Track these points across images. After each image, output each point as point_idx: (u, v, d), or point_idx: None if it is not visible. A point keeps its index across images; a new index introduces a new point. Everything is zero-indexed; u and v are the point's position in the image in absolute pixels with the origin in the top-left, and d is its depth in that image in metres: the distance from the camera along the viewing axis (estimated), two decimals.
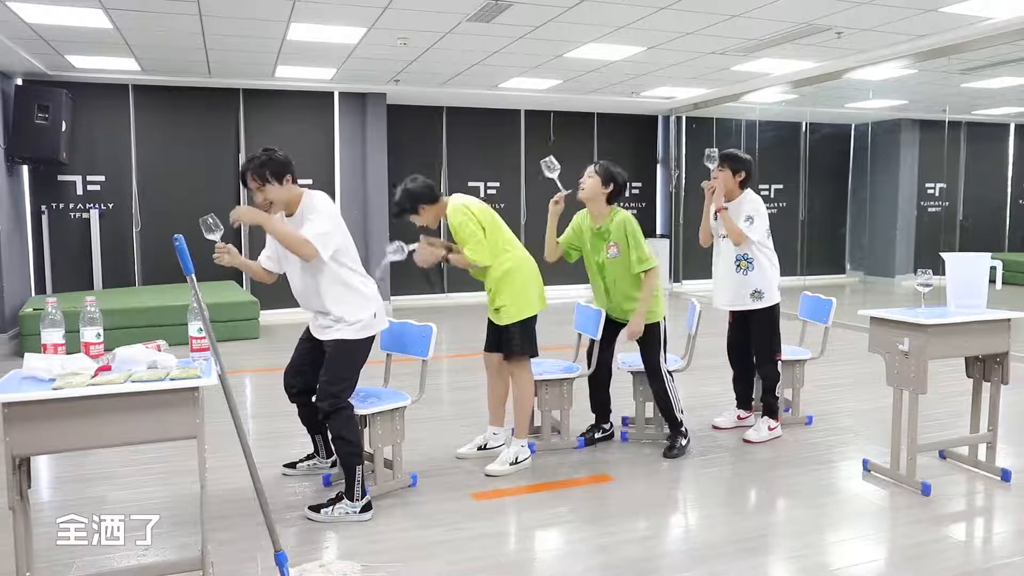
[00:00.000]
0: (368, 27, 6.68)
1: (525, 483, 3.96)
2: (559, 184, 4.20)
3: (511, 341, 4.05)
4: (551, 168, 4.22)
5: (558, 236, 4.42)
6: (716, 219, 4.55)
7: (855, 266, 13.91)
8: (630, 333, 4.20)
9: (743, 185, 4.47)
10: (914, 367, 3.66)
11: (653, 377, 4.32)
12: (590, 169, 4.25)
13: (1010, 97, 10.52)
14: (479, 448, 4.29)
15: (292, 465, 4.02)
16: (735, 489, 4.01)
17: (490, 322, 4.17)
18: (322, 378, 3.48)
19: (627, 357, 4.56)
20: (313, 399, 3.56)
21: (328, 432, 3.67)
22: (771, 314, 4.50)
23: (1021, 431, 4.82)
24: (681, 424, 4.36)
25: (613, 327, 4.42)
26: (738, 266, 4.47)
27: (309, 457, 4.04)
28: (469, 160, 11.37)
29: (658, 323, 4.25)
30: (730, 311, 4.65)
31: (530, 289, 4.07)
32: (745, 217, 4.41)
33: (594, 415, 4.60)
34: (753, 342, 4.58)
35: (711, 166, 4.44)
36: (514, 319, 4.01)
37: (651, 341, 4.26)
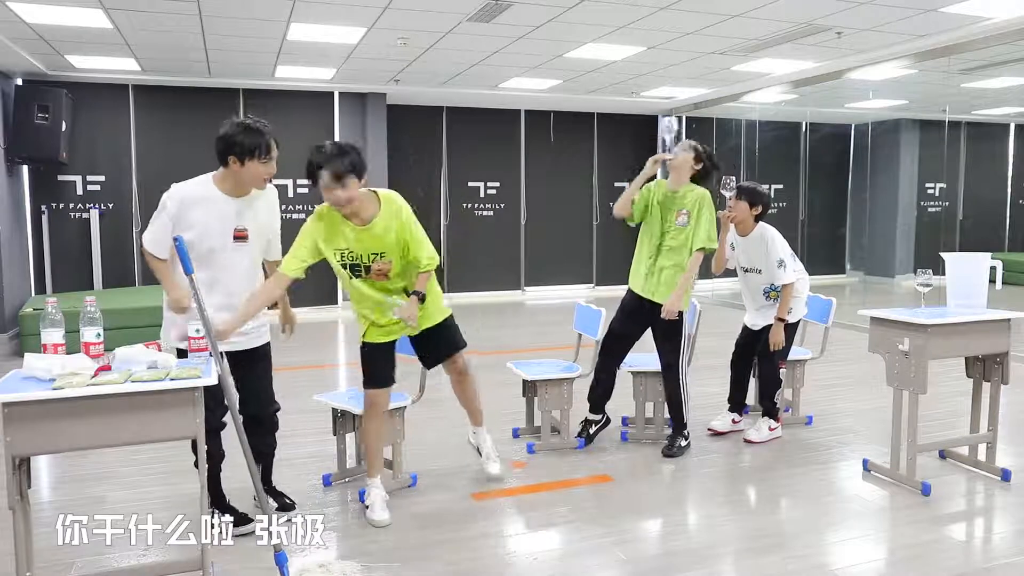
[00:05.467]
0: (368, 27, 6.68)
1: (525, 483, 3.96)
2: (729, 193, 4.30)
3: (457, 332, 3.68)
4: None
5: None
6: (733, 249, 4.55)
7: (855, 266, 13.91)
8: (667, 312, 4.16)
9: (758, 218, 4.47)
10: (914, 367, 3.66)
11: (669, 371, 4.30)
12: (685, 144, 4.30)
13: (1010, 97, 10.52)
14: (479, 451, 3.96)
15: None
16: (735, 489, 4.01)
17: (392, 345, 3.56)
18: (263, 386, 3.42)
19: (629, 357, 4.54)
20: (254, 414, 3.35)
21: (266, 448, 3.48)
22: (790, 329, 4.51)
23: (1021, 431, 4.82)
24: (685, 425, 4.36)
25: (641, 313, 4.33)
26: (767, 296, 4.50)
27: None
28: (469, 160, 11.37)
29: (681, 313, 4.24)
30: (745, 326, 4.69)
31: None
32: (777, 262, 4.38)
33: (589, 403, 4.51)
34: (762, 344, 4.56)
35: (727, 194, 4.36)
36: (445, 314, 3.62)
37: (674, 334, 4.25)
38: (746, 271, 4.56)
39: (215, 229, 3.16)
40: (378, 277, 3.35)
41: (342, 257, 3.32)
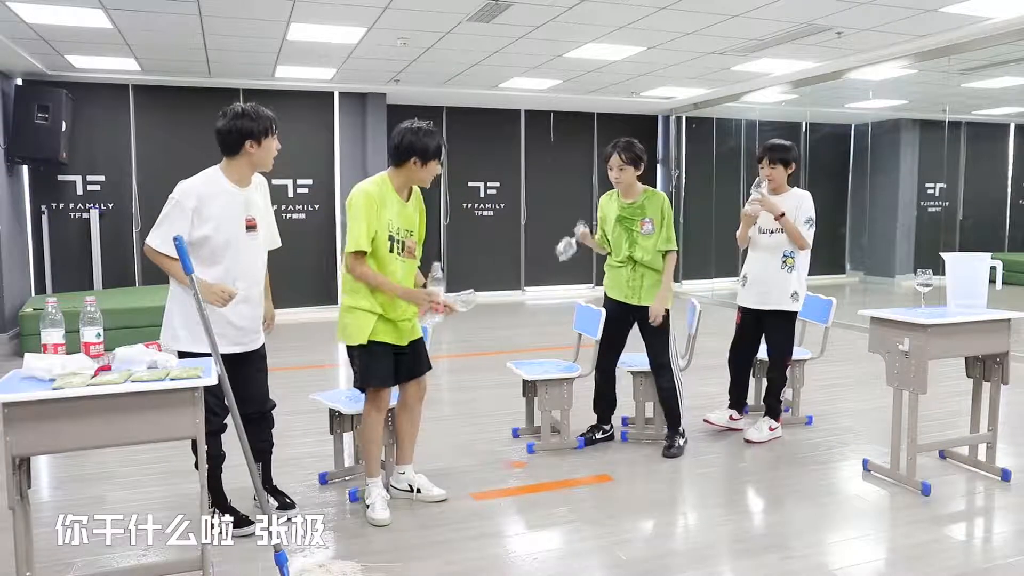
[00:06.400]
0: (368, 27, 6.68)
1: (525, 483, 3.96)
2: (576, 243, 4.34)
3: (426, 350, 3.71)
4: (568, 248, 4.30)
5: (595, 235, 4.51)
6: (756, 224, 4.55)
7: (855, 266, 13.90)
8: (653, 315, 4.21)
9: (790, 178, 4.50)
10: (914, 367, 3.66)
11: (660, 371, 4.31)
12: (617, 161, 4.25)
13: (1010, 97, 10.52)
14: (414, 489, 3.72)
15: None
16: (735, 489, 4.01)
17: (393, 346, 3.50)
18: (260, 386, 3.42)
19: (629, 357, 4.55)
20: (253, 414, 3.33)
21: (264, 445, 3.49)
22: (795, 318, 4.53)
23: (1021, 431, 4.82)
24: (680, 422, 4.37)
25: (626, 318, 4.37)
26: (784, 262, 4.43)
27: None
28: (469, 160, 11.37)
29: (668, 311, 4.28)
30: (742, 312, 4.63)
31: None
32: (806, 219, 4.39)
33: (596, 415, 4.59)
34: (771, 344, 4.56)
35: (757, 193, 4.42)
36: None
37: (662, 332, 4.28)
38: (772, 232, 4.47)
39: (231, 221, 3.19)
40: (409, 255, 3.49)
41: (390, 227, 3.41)
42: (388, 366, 3.50)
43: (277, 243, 3.51)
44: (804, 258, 4.46)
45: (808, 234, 4.39)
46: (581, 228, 4.34)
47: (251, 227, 3.26)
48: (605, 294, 4.46)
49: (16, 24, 6.39)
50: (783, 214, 4.36)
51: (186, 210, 3.11)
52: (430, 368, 3.68)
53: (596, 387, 4.54)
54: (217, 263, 3.17)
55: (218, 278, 3.15)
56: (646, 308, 4.25)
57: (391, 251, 3.40)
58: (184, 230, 3.08)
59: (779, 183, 4.47)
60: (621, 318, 4.37)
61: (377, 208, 3.36)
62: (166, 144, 9.26)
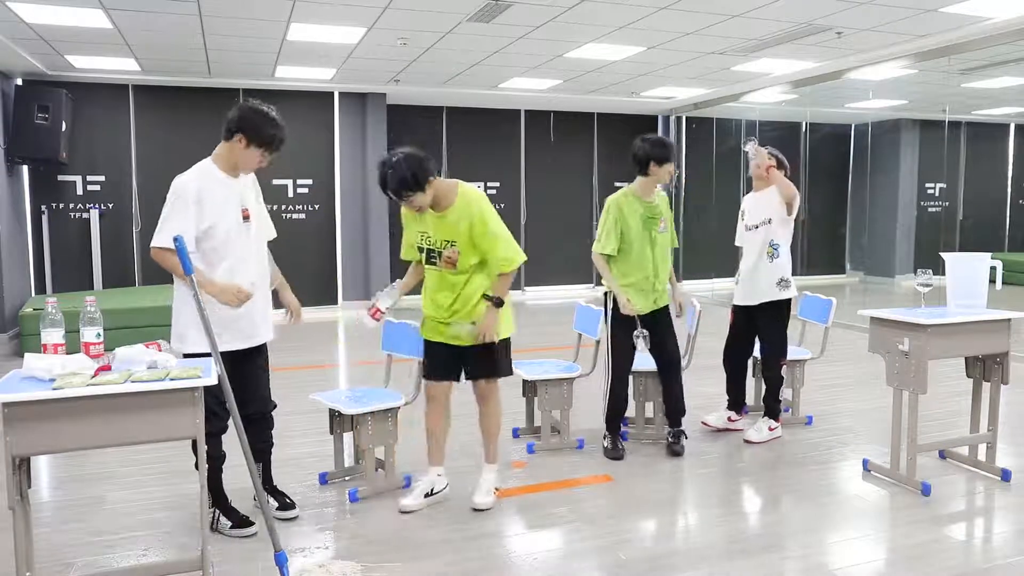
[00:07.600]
0: (368, 27, 6.69)
1: (525, 483, 3.96)
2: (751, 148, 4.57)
3: (499, 359, 3.58)
4: (643, 339, 4.18)
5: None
6: (743, 219, 4.63)
7: (855, 266, 13.91)
8: (681, 312, 4.36)
9: None
10: (914, 367, 3.66)
11: (677, 367, 4.33)
12: (671, 169, 4.25)
13: (1010, 97, 10.52)
14: (426, 495, 3.63)
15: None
16: (735, 489, 4.01)
17: (445, 345, 3.56)
18: (263, 383, 3.43)
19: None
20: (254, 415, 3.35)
21: (264, 445, 3.49)
22: (788, 308, 4.53)
23: (1021, 431, 4.82)
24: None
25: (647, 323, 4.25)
26: (767, 252, 4.49)
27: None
28: (469, 160, 11.38)
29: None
30: (735, 308, 4.65)
31: None
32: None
33: (614, 418, 4.39)
34: (764, 341, 4.56)
35: (748, 148, 4.57)
36: (503, 333, 3.55)
37: (672, 329, 4.29)
38: (756, 227, 4.54)
39: (229, 211, 3.18)
40: (447, 265, 3.46)
41: (421, 239, 3.52)
42: (435, 361, 3.62)
43: (273, 234, 3.50)
44: (786, 246, 4.52)
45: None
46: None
47: (246, 218, 3.25)
48: (638, 315, 4.15)
49: (16, 24, 6.39)
50: (770, 167, 4.51)
51: (188, 204, 3.08)
52: (492, 374, 3.58)
53: (623, 391, 4.32)
54: (222, 259, 3.14)
55: (225, 274, 3.14)
56: (660, 309, 4.25)
57: (422, 263, 3.58)
58: (189, 225, 3.06)
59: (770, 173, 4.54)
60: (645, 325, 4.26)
61: (411, 218, 3.55)
62: (166, 144, 9.26)
